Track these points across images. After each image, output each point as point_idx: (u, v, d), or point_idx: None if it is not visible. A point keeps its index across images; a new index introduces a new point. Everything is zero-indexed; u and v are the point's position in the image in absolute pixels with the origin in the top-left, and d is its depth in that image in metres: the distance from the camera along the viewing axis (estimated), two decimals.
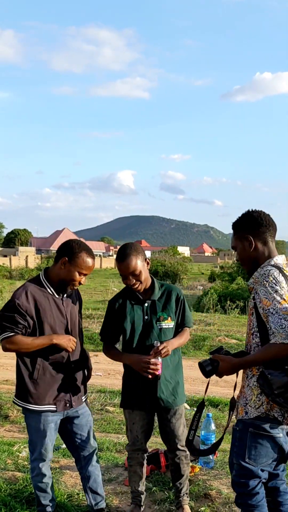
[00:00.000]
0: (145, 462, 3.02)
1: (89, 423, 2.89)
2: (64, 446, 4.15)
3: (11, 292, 20.13)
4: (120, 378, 3.01)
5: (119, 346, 2.97)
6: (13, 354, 2.72)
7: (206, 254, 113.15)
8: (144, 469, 3.03)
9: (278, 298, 2.12)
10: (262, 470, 2.27)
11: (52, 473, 3.00)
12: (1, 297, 17.79)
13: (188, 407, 5.62)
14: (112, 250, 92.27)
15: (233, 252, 2.52)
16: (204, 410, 2.85)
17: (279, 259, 2.31)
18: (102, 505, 2.95)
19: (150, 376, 2.69)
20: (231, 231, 2.45)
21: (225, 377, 2.34)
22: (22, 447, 4.16)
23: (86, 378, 2.91)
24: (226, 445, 3.95)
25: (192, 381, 6.79)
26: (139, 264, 2.71)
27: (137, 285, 2.75)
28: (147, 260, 2.80)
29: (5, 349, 2.62)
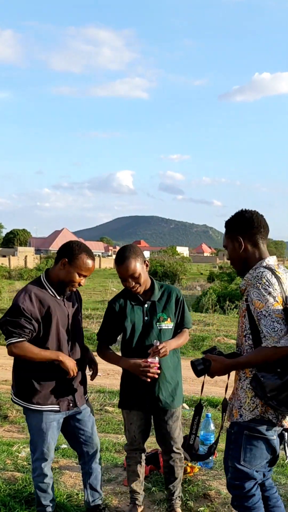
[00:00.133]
0: (143, 462, 3.02)
1: (92, 419, 2.90)
2: (63, 446, 4.15)
3: (10, 292, 20.10)
4: (119, 378, 3.02)
5: (117, 346, 2.97)
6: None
7: (205, 254, 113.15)
8: (143, 469, 3.03)
9: (271, 300, 2.12)
10: (257, 471, 2.28)
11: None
12: (0, 297, 17.78)
13: (187, 407, 5.63)
14: (111, 250, 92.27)
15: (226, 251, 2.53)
16: (203, 411, 2.85)
17: (270, 260, 2.31)
18: (99, 502, 2.97)
19: (148, 380, 2.70)
20: None
21: (224, 377, 2.35)
22: (21, 447, 4.16)
23: (92, 375, 2.91)
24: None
25: (191, 381, 6.81)
26: (138, 266, 2.71)
27: (136, 288, 2.75)
28: (146, 262, 2.80)
29: (11, 354, 2.62)
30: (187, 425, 4.92)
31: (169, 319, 2.82)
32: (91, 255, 2.72)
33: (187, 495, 3.23)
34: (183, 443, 2.89)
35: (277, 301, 2.12)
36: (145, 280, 2.79)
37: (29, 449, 3.07)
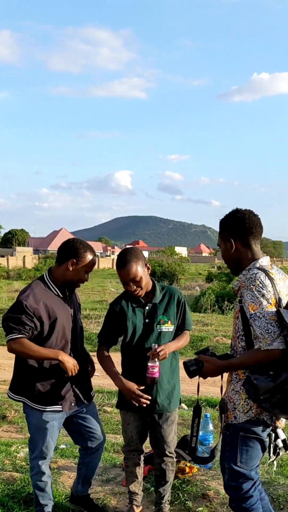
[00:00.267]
0: (142, 462, 3.02)
1: (96, 413, 2.92)
2: (62, 446, 4.15)
3: (9, 293, 20.04)
4: None
5: (117, 347, 2.97)
6: (12, 354, 2.70)
7: (204, 254, 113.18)
8: (141, 470, 3.03)
9: (265, 302, 2.11)
10: (254, 472, 2.29)
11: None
12: None
13: (185, 407, 5.63)
14: (110, 250, 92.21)
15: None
16: (202, 411, 2.85)
17: (264, 261, 2.30)
18: (86, 493, 3.00)
19: (136, 404, 2.71)
20: None
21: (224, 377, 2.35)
22: (20, 447, 4.16)
23: (90, 374, 2.93)
24: None
25: (190, 381, 6.80)
26: (139, 270, 2.71)
27: (137, 291, 2.75)
28: (148, 265, 2.79)
29: (11, 350, 2.62)
30: (185, 425, 4.92)
31: (169, 322, 2.81)
32: (93, 250, 2.80)
33: (185, 495, 3.23)
34: (183, 444, 2.89)
35: (270, 303, 2.12)
36: (147, 283, 2.79)
37: (27, 449, 3.07)
